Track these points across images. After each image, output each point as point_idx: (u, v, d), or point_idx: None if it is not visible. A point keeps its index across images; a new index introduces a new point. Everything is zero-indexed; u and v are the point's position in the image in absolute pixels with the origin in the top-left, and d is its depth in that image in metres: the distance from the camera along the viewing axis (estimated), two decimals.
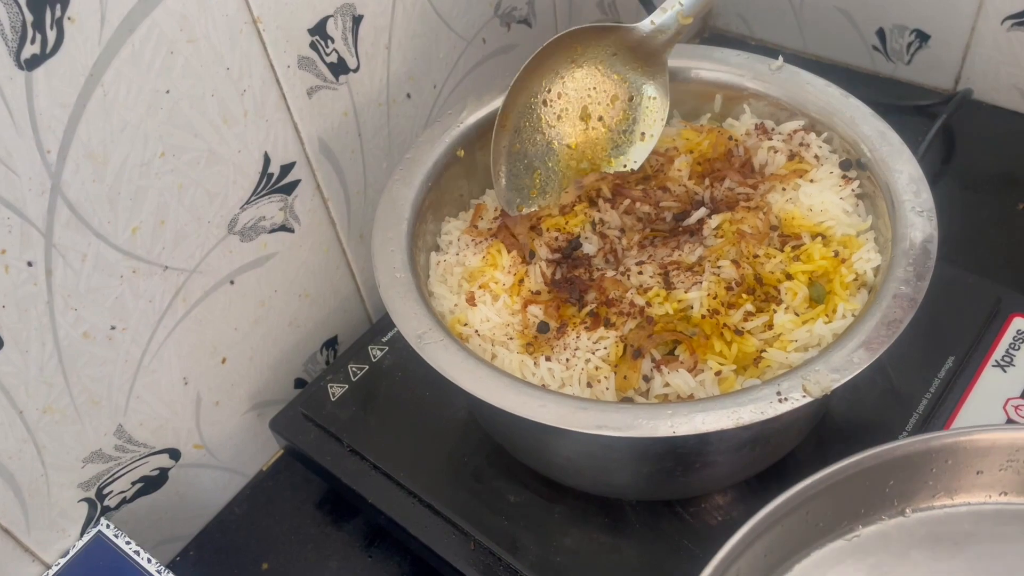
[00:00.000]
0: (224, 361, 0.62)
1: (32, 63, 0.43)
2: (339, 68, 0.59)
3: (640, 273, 0.52)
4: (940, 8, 0.81)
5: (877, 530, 0.47)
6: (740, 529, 0.43)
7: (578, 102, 0.57)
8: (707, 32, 0.98)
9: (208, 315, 0.59)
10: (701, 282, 0.50)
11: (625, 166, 0.59)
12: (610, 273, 0.53)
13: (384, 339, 0.66)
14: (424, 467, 0.59)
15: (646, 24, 0.56)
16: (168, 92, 0.50)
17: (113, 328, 0.53)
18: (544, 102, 0.56)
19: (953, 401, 0.57)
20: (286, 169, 0.59)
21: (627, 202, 0.57)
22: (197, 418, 0.62)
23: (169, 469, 0.62)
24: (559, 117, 0.57)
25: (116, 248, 0.51)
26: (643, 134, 0.58)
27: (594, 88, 0.57)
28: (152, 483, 0.61)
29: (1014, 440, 0.46)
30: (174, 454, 0.61)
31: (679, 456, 0.49)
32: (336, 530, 0.64)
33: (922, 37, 0.83)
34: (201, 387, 0.61)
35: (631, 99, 0.58)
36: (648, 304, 0.50)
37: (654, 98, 0.58)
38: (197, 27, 0.50)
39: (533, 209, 0.58)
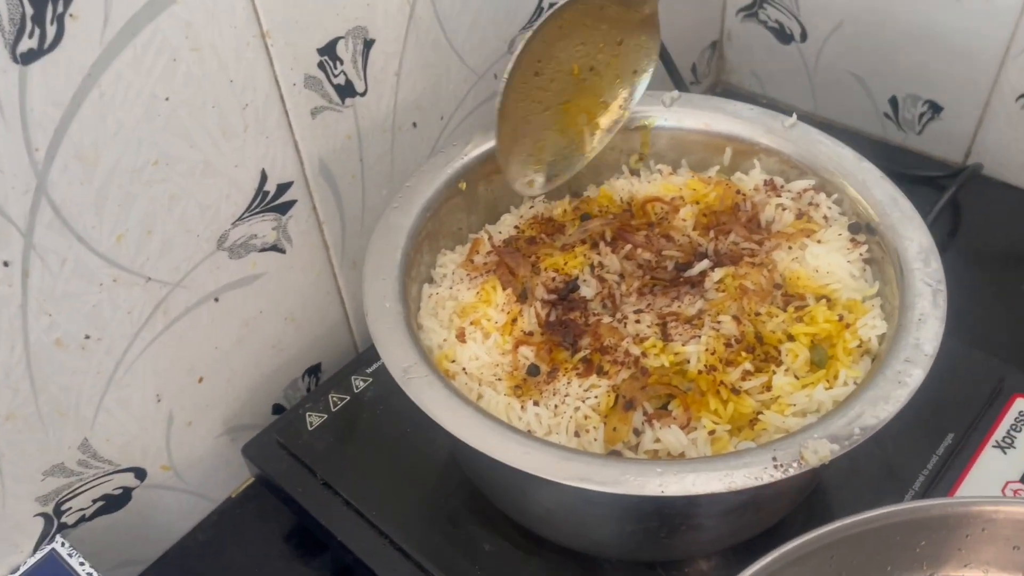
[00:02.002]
0: (201, 380, 0.60)
1: (28, 57, 0.42)
2: (346, 91, 0.58)
3: (638, 322, 0.51)
4: (954, 81, 0.80)
5: None
6: (766, 556, 0.41)
7: (568, 61, 0.56)
8: (719, 88, 0.98)
9: (188, 331, 0.57)
10: (700, 336, 0.49)
11: (621, 108, 0.59)
12: (607, 319, 0.52)
13: (368, 370, 0.64)
14: (398, 507, 0.57)
15: None
16: (167, 99, 0.49)
17: (88, 337, 0.51)
18: (536, 72, 0.54)
19: (950, 480, 0.55)
20: (283, 188, 0.58)
21: (629, 247, 0.55)
22: (167, 438, 0.60)
23: (133, 489, 0.59)
24: (552, 80, 0.55)
25: (98, 254, 0.49)
26: (634, 72, 0.58)
27: (582, 43, 0.55)
28: (114, 502, 0.58)
29: None
30: (140, 473, 0.59)
31: (665, 516, 0.47)
32: (302, 565, 0.61)
33: (935, 108, 0.83)
34: (175, 405, 0.59)
35: (620, 42, 0.56)
36: (644, 355, 0.49)
37: (643, 35, 0.57)
38: (203, 36, 0.49)
39: (540, 190, 0.58)
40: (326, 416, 0.62)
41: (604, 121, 0.59)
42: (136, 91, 0.47)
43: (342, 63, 0.57)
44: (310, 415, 0.62)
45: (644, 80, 0.59)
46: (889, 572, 0.44)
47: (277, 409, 0.67)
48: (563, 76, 0.56)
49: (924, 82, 0.82)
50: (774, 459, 0.41)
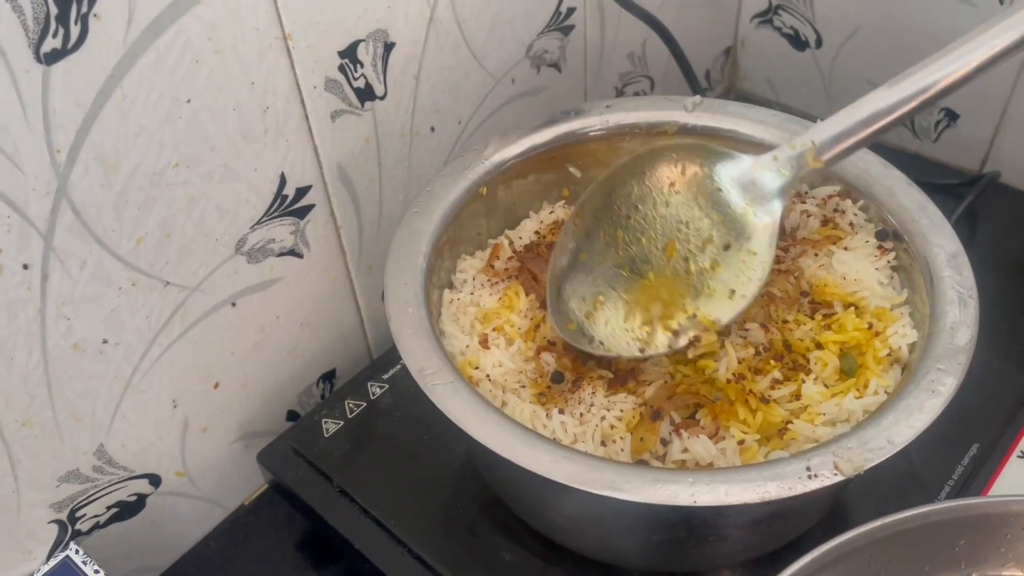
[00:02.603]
0: (216, 386, 0.59)
1: (52, 58, 0.41)
2: (366, 94, 0.58)
3: None
4: (971, 89, 0.79)
5: None
6: (805, 556, 0.40)
7: (665, 233, 0.48)
8: (733, 94, 0.98)
9: (205, 336, 0.56)
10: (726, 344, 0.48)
11: (710, 319, 0.48)
12: None
13: (385, 376, 0.64)
14: (416, 515, 0.56)
15: (768, 159, 0.47)
16: (189, 101, 0.48)
17: (105, 342, 0.50)
18: (628, 216, 0.47)
19: (976, 490, 0.55)
20: (301, 192, 0.57)
21: None
22: (182, 444, 0.59)
23: (147, 496, 0.58)
24: (640, 241, 0.48)
25: (118, 258, 0.49)
26: (732, 291, 0.48)
27: (687, 224, 0.48)
28: (128, 509, 0.58)
29: None
30: (154, 480, 0.58)
31: (693, 527, 0.46)
32: (316, 574, 0.60)
33: (951, 116, 0.82)
34: (190, 411, 0.58)
35: (727, 247, 0.47)
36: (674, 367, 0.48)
37: (755, 253, 0.47)
38: (225, 38, 0.48)
39: (570, 339, 0.49)
40: (342, 423, 0.61)
41: (674, 329, 0.48)
42: (158, 93, 0.47)
43: (362, 66, 0.57)
44: (326, 422, 0.61)
45: (740, 305, 0.47)
46: (927, 572, 0.44)
47: (291, 415, 0.67)
48: (656, 246, 0.48)
49: None
50: (807, 468, 0.40)
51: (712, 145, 0.48)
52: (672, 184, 0.46)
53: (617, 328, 0.49)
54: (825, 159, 0.46)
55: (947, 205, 0.77)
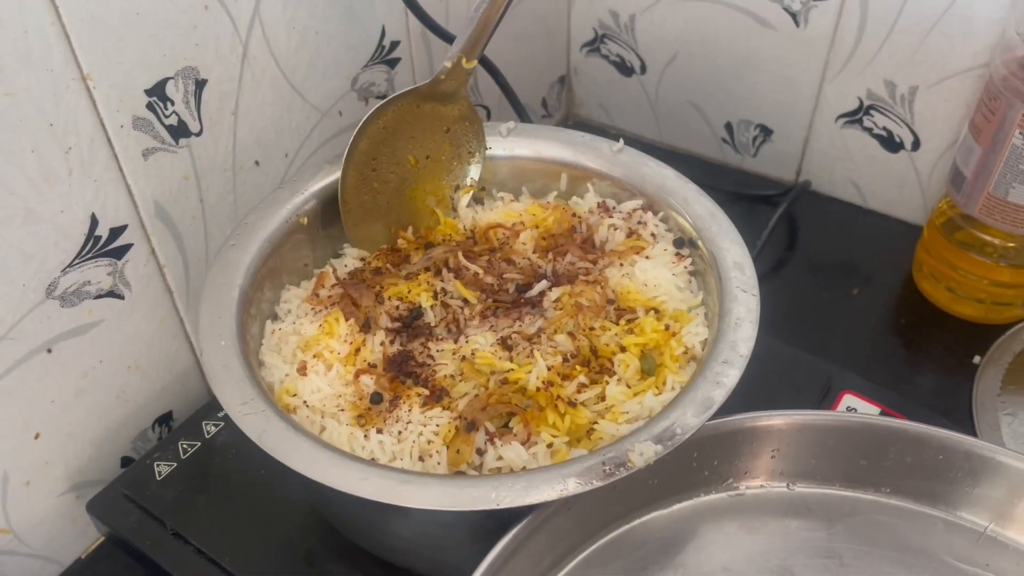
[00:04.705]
0: (37, 436, 0.57)
1: None
2: (179, 131, 0.58)
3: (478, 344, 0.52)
4: (781, 105, 0.86)
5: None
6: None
7: (403, 154, 0.60)
8: (571, 120, 1.02)
9: (19, 386, 0.54)
10: (536, 352, 0.50)
11: (468, 185, 0.63)
12: (450, 344, 0.53)
13: (220, 414, 0.63)
14: (253, 551, 0.55)
15: (437, 76, 0.59)
16: None
17: None
18: (373, 168, 0.58)
19: None
20: (116, 232, 0.57)
21: (471, 272, 0.57)
22: (3, 500, 0.57)
23: None
24: (391, 172, 0.60)
25: None
26: (468, 152, 0.63)
27: (412, 137, 0.60)
28: None
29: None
30: None
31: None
32: None
33: (766, 132, 0.88)
34: (8, 465, 0.56)
35: (448, 130, 0.61)
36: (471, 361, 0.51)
37: (465, 121, 0.61)
38: (16, 80, 0.48)
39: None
40: (175, 464, 0.60)
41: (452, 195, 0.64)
42: None
43: (173, 104, 0.57)
44: (158, 464, 0.60)
45: (479, 157, 0.63)
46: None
47: (127, 462, 0.65)
48: (401, 167, 0.61)
49: (754, 107, 0.87)
50: (603, 463, 0.42)
51: (394, 95, 0.59)
52: (384, 127, 0.59)
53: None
54: (473, 59, 0.59)
55: (768, 214, 0.84)
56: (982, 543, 0.51)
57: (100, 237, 0.56)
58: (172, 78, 0.56)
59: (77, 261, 0.55)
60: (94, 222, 0.55)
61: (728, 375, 0.46)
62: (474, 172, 0.63)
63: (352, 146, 0.58)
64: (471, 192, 0.63)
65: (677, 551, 0.51)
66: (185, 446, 0.61)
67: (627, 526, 0.51)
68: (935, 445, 0.51)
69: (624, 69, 0.93)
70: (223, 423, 0.63)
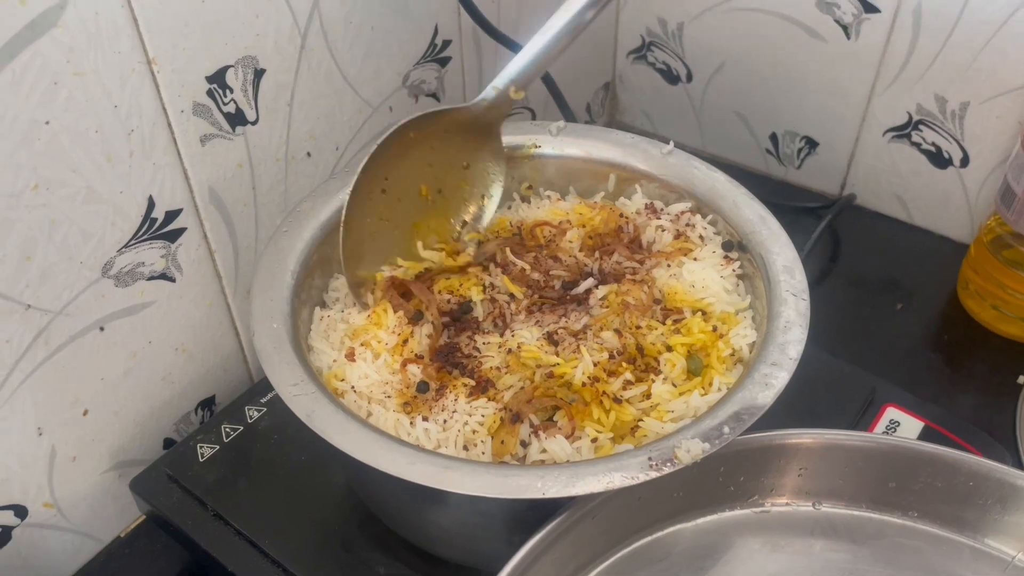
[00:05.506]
0: (86, 413, 0.58)
1: None
2: (236, 119, 0.59)
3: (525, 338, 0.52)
4: (828, 118, 0.86)
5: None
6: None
7: (415, 181, 0.57)
8: (614, 127, 1.02)
9: (72, 362, 0.56)
10: (583, 347, 0.50)
11: (474, 228, 0.60)
12: (495, 338, 0.53)
13: (263, 400, 0.64)
14: (292, 534, 0.56)
15: (479, 103, 0.57)
16: (48, 123, 0.48)
17: None
18: (383, 190, 0.56)
19: None
20: (171, 215, 0.58)
21: (519, 268, 0.57)
22: (50, 474, 0.58)
23: (13, 528, 0.57)
24: (399, 199, 0.57)
25: None
26: (483, 196, 0.60)
27: (430, 164, 0.57)
28: None
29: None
30: (20, 511, 0.57)
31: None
32: None
33: (811, 144, 0.88)
34: (57, 440, 0.57)
35: (467, 167, 0.59)
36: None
37: (489, 162, 0.59)
38: (85, 61, 0.49)
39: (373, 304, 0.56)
40: (218, 447, 0.61)
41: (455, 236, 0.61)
42: (14, 115, 0.47)
43: (232, 91, 0.58)
44: (201, 446, 0.61)
45: (492, 204, 0.60)
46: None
47: (168, 444, 0.66)
48: (411, 196, 0.58)
49: (801, 119, 0.87)
50: (649, 459, 0.42)
51: (429, 111, 0.56)
52: (405, 147, 0.56)
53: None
54: (522, 91, 0.57)
55: (811, 226, 0.84)
56: (1009, 572, 0.50)
57: (156, 219, 0.57)
58: (232, 66, 0.57)
59: (133, 242, 0.56)
60: (151, 204, 0.56)
61: (777, 377, 0.46)
62: (486, 219, 0.60)
63: (367, 162, 0.54)
64: (477, 239, 0.60)
65: (700, 565, 0.50)
66: (228, 429, 0.62)
67: (650, 537, 0.50)
68: (966, 471, 0.49)
69: (670, 77, 0.94)
70: (265, 408, 0.63)
